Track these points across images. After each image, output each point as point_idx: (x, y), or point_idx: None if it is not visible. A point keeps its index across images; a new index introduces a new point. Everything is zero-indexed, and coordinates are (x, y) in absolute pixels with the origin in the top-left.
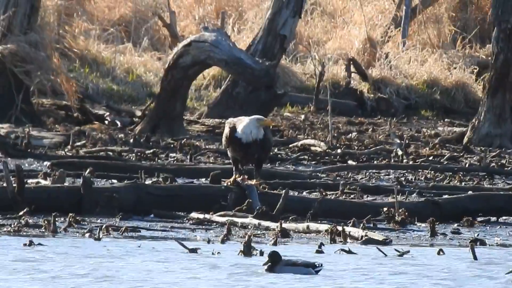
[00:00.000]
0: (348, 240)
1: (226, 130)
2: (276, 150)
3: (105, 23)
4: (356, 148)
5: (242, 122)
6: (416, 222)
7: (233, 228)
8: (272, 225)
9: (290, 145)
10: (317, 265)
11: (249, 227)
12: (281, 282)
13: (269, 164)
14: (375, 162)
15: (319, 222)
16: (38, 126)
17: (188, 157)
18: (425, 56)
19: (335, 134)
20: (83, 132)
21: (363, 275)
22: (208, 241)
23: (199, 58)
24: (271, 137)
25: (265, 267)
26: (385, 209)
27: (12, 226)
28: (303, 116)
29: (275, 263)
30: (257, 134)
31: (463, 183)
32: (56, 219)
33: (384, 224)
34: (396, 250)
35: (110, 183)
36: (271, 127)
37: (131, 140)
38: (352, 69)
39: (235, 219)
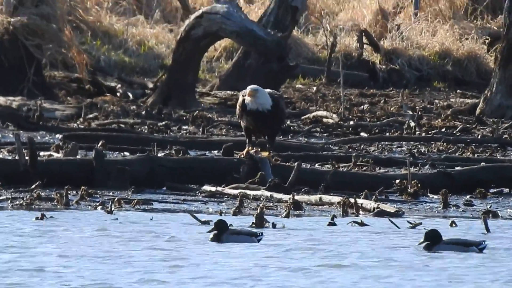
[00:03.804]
0: (361, 212)
1: (240, 100)
2: (288, 122)
3: None
4: (368, 120)
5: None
6: (428, 194)
7: (245, 201)
8: (285, 197)
9: (302, 117)
10: (258, 234)
11: (262, 199)
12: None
13: (281, 137)
14: (388, 134)
15: (332, 194)
16: (50, 98)
17: (201, 129)
18: (436, 27)
19: (347, 106)
20: (95, 104)
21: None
22: (221, 213)
23: (211, 30)
24: (284, 108)
25: (211, 235)
26: (397, 181)
27: (24, 199)
28: (315, 88)
29: (222, 232)
30: (263, 105)
31: (475, 155)
32: (69, 192)
33: (397, 196)
34: (408, 222)
35: (122, 156)
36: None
37: (143, 112)
38: (364, 40)
39: (248, 192)
